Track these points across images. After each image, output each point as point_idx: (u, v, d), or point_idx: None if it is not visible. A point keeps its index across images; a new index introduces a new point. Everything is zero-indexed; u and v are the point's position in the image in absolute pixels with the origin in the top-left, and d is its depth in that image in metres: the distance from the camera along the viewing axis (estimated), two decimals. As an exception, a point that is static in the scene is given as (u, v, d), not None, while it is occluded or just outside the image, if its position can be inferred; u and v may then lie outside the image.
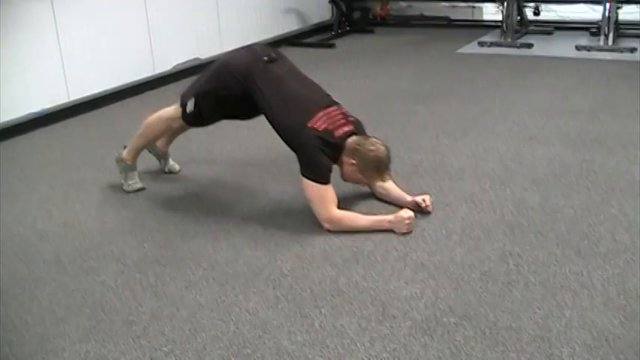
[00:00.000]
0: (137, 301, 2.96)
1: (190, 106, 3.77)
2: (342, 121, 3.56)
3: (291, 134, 3.53)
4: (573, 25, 8.50)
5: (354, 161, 3.49)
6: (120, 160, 4.11)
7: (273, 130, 3.65)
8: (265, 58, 3.68)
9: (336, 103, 3.66)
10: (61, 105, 5.77)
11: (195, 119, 3.85)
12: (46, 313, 2.91)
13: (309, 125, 3.45)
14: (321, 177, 3.46)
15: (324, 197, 3.47)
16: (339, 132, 3.51)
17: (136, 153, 4.12)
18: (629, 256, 3.12)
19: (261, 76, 3.61)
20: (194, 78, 3.95)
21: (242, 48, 3.92)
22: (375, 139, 3.55)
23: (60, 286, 3.12)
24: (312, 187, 3.47)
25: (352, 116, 3.66)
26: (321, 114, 3.50)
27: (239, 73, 3.65)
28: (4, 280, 3.21)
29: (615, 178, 3.97)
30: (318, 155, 3.45)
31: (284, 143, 3.62)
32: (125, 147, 4.13)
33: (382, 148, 3.52)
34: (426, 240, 3.37)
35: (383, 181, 3.62)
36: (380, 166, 3.52)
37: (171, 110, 3.91)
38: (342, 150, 3.51)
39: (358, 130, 3.63)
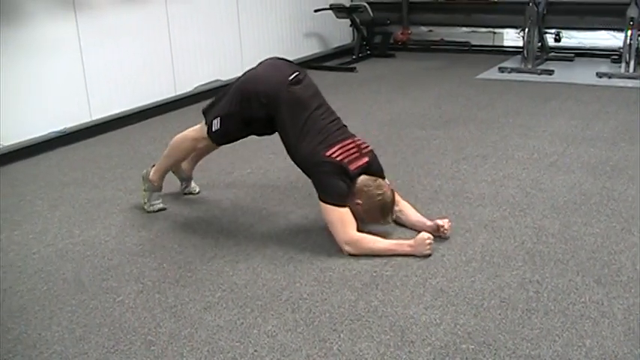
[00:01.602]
0: (156, 322, 2.97)
1: (216, 124, 3.79)
2: (357, 154, 3.59)
3: (306, 162, 3.59)
4: (594, 52, 8.47)
5: (359, 201, 3.54)
6: (147, 180, 4.14)
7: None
8: (290, 79, 3.67)
9: (351, 136, 3.68)
10: (83, 124, 5.83)
11: (221, 137, 3.88)
12: (66, 331, 2.93)
13: (326, 155, 3.49)
14: (339, 200, 3.48)
15: (343, 220, 3.48)
16: (355, 165, 3.55)
17: (163, 174, 4.16)
18: (651, 285, 3.11)
19: (285, 101, 3.62)
20: (218, 94, 3.95)
21: (267, 63, 3.88)
22: (381, 182, 3.60)
23: (79, 305, 3.14)
24: (331, 211, 3.49)
25: (367, 146, 3.69)
26: (337, 147, 3.53)
27: (265, 96, 3.65)
28: (24, 297, 3.23)
29: (636, 206, 3.95)
30: (334, 179, 3.49)
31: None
32: (154, 166, 4.17)
33: (389, 193, 3.57)
34: (446, 266, 3.36)
35: (383, 223, 3.65)
36: (384, 210, 3.57)
37: (197, 129, 3.94)
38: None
39: (373, 162, 3.68)
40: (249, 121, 3.74)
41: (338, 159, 3.50)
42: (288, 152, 3.69)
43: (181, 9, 6.71)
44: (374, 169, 3.67)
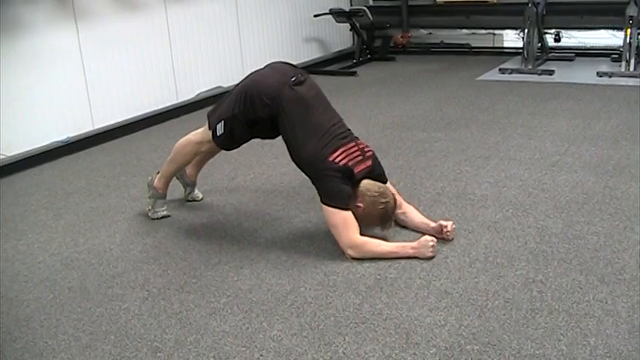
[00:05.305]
0: (162, 328, 2.98)
1: (220, 128, 3.79)
2: (360, 157, 3.59)
3: (310, 165, 3.58)
4: (594, 52, 8.47)
5: (361, 205, 3.54)
6: (151, 187, 4.16)
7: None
8: (293, 80, 3.68)
9: (354, 139, 3.69)
10: (86, 133, 5.86)
11: (226, 141, 3.87)
12: (72, 339, 2.94)
13: (330, 159, 3.50)
14: (342, 202, 3.49)
15: (346, 223, 3.49)
16: (359, 168, 3.56)
17: (167, 181, 4.17)
18: (654, 283, 3.11)
19: (288, 100, 3.62)
20: (222, 98, 3.95)
21: (269, 67, 3.90)
22: (386, 190, 3.60)
23: (85, 313, 3.15)
24: (333, 214, 3.50)
25: (369, 150, 3.70)
26: (341, 150, 3.53)
27: (268, 96, 3.65)
28: (30, 306, 3.24)
29: (638, 205, 3.95)
30: (336, 182, 3.49)
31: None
32: (158, 172, 4.18)
33: (392, 202, 3.58)
34: (449, 267, 3.37)
35: (381, 230, 3.66)
36: (384, 219, 3.58)
37: (200, 133, 3.94)
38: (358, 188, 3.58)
39: (375, 165, 3.69)
40: (253, 123, 3.73)
41: (342, 163, 3.50)
42: (291, 154, 3.68)
43: (181, 16, 6.73)
44: (376, 173, 3.68)
